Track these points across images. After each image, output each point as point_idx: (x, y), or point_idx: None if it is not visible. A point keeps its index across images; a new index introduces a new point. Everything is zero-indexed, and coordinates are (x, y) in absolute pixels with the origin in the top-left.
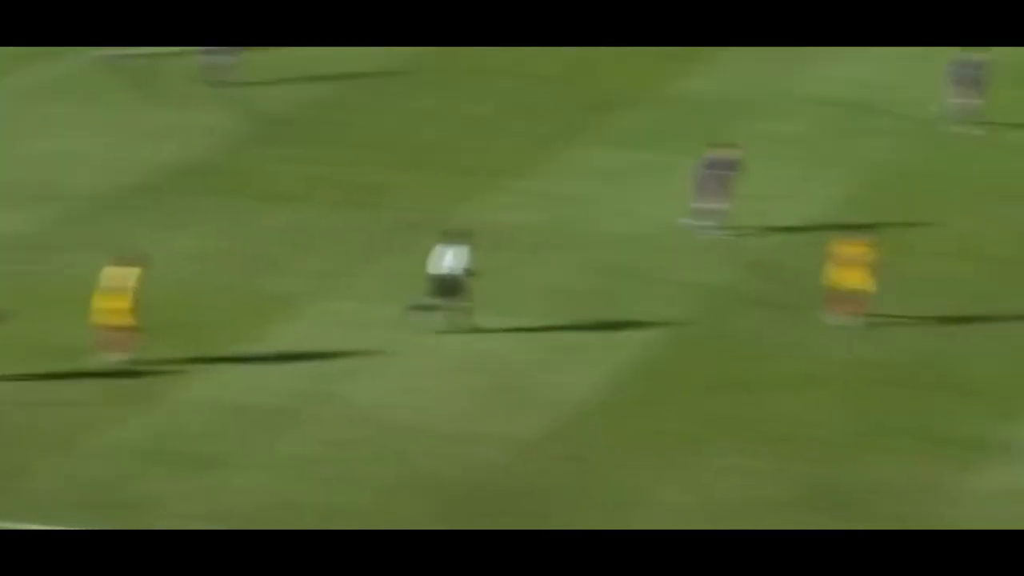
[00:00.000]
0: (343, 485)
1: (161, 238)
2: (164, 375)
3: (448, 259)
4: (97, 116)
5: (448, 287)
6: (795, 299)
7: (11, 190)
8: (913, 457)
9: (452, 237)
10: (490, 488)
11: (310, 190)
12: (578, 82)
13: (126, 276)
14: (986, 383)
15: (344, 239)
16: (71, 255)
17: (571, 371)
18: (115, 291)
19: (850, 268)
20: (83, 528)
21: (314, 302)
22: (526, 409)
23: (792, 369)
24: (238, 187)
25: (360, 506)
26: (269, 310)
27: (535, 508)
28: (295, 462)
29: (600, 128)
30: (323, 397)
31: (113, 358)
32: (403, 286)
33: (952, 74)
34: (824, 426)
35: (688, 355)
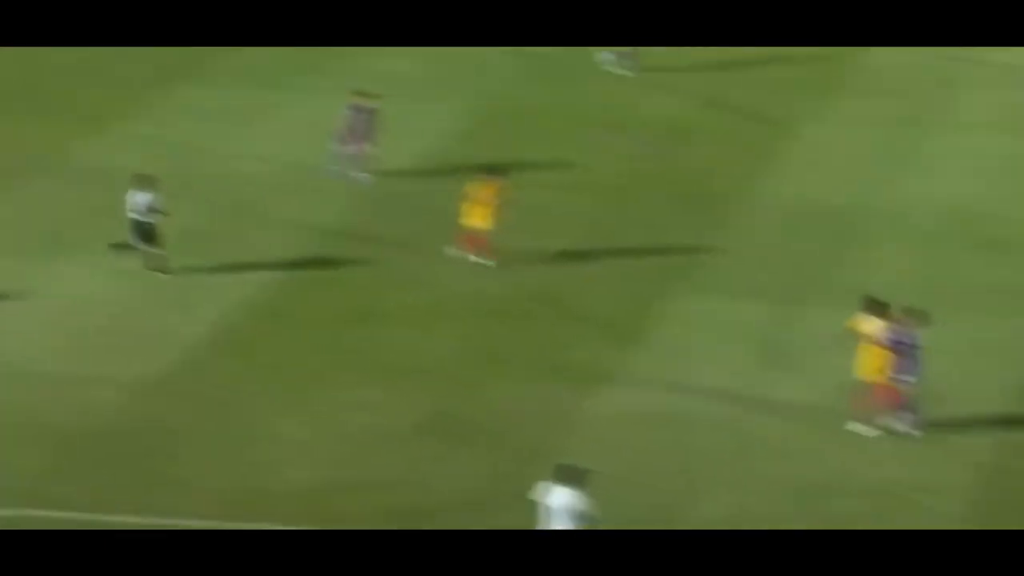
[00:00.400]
0: None
1: None
2: None
3: (138, 203)
4: None
5: (141, 231)
6: (417, 235)
7: None
8: (532, 385)
9: (141, 183)
10: (110, 430)
11: None
12: None
13: None
14: (600, 311)
15: None
16: None
17: (191, 311)
18: None
19: (477, 206)
20: None
21: None
22: (145, 350)
23: (413, 303)
24: None
25: None
26: None
27: (159, 447)
28: None
29: (211, 67)
30: None
31: None
32: (4, 233)
33: None
34: (445, 357)
35: (310, 291)
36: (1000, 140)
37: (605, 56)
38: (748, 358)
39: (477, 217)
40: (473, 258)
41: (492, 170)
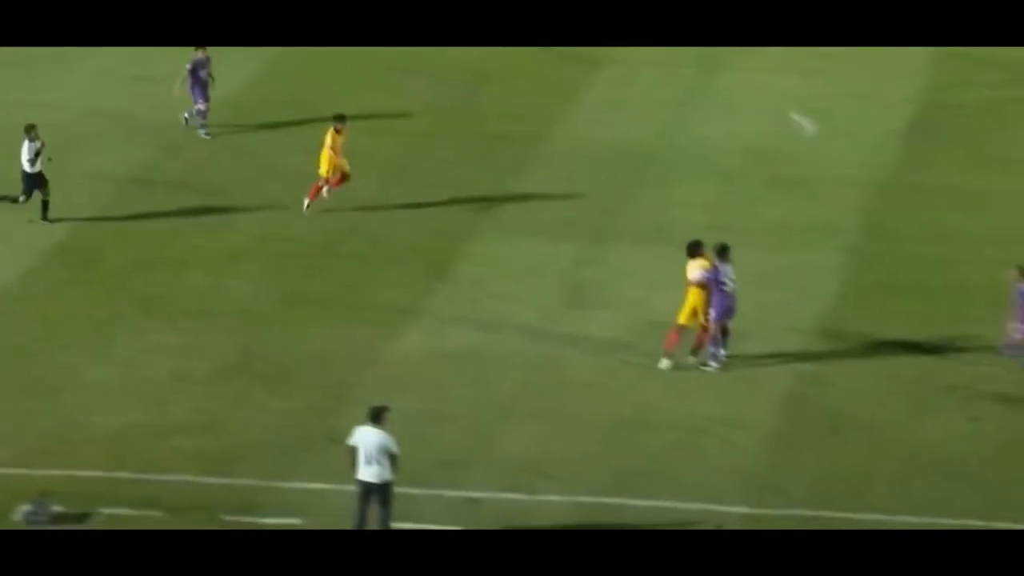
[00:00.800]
0: None
1: None
2: None
3: (25, 154)
4: None
5: (27, 180)
6: (222, 180)
7: None
8: (339, 326)
9: (28, 132)
10: None
11: None
12: None
13: None
14: (407, 253)
15: None
16: None
17: None
18: None
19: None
20: None
21: None
22: None
23: (217, 247)
24: None
25: None
26: None
27: None
28: None
29: None
30: None
31: None
32: None
33: None
34: (247, 299)
35: (113, 239)
36: (788, 81)
37: None
38: (555, 296)
39: (332, 162)
40: (326, 194)
41: (339, 118)
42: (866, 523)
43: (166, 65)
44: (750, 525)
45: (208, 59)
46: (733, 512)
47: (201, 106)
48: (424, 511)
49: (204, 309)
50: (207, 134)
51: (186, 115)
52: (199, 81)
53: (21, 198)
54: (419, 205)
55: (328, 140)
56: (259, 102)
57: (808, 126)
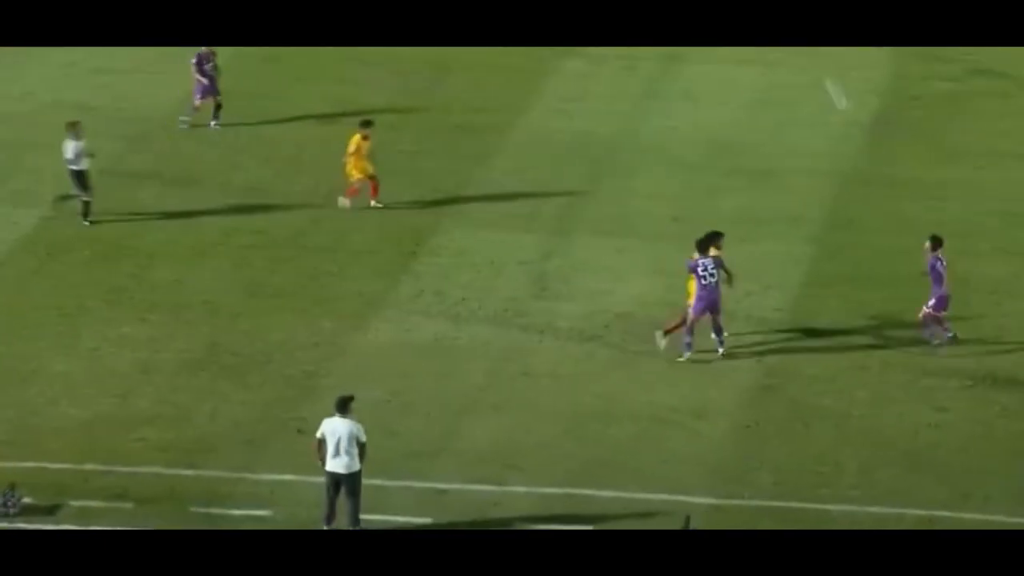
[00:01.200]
0: None
1: None
2: None
3: (68, 152)
4: None
5: (76, 178)
6: (186, 171)
7: None
8: (304, 318)
9: (72, 129)
10: None
11: None
12: None
13: None
14: (371, 244)
15: None
16: None
17: None
18: None
19: (357, 157)
20: None
21: None
22: None
23: (177, 238)
24: None
25: None
26: None
27: None
28: None
29: None
30: None
31: None
32: None
33: None
34: (214, 291)
35: (77, 230)
36: (751, 72)
37: None
38: (520, 287)
39: (359, 168)
40: (373, 203)
41: (366, 123)
42: (833, 514)
43: (130, 58)
44: (716, 516)
45: (213, 53)
46: (699, 503)
47: (196, 102)
48: (392, 502)
49: (171, 301)
50: (184, 124)
51: (213, 122)
52: (205, 75)
53: (84, 196)
54: (384, 196)
55: (351, 147)
56: (224, 93)
57: (840, 98)
